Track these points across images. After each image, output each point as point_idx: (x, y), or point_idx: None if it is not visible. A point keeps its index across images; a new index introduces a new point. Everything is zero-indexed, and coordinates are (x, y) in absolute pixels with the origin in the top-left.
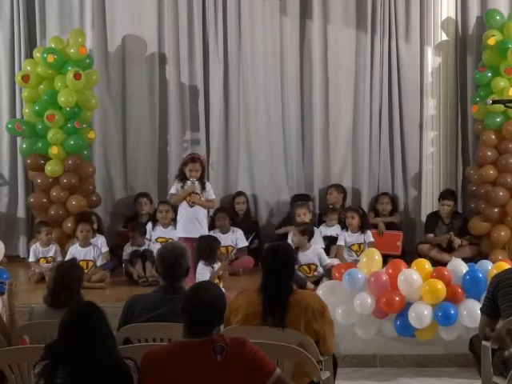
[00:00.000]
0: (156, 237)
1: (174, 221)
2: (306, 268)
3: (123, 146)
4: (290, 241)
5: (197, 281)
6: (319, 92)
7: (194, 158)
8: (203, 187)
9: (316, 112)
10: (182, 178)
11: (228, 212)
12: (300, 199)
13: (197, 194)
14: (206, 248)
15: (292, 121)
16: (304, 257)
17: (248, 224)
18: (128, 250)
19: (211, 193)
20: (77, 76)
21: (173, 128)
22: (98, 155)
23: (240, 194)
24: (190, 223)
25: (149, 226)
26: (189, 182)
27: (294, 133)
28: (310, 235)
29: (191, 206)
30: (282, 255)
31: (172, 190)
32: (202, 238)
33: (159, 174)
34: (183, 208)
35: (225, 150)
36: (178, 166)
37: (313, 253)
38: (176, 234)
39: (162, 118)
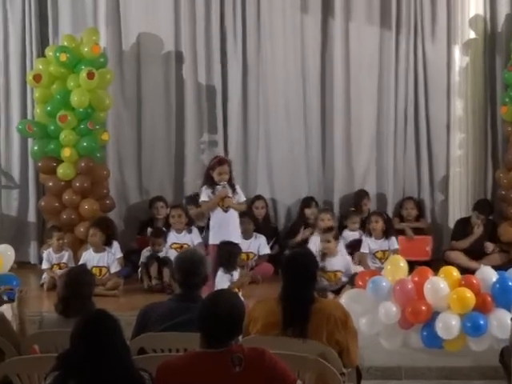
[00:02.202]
0: (170, 243)
1: (187, 225)
2: (331, 275)
3: (138, 147)
4: (311, 246)
5: (215, 288)
6: (341, 92)
7: (221, 161)
8: (233, 190)
9: (338, 113)
10: (211, 183)
11: (252, 217)
12: (308, 203)
13: (229, 197)
14: (226, 254)
15: (313, 122)
16: (332, 263)
17: (267, 229)
18: (146, 254)
19: (242, 195)
20: (90, 75)
21: (189, 129)
22: (111, 157)
23: (259, 198)
24: (226, 229)
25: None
26: (219, 187)
27: (315, 134)
28: (338, 239)
29: (225, 211)
30: (304, 262)
31: (203, 197)
32: (223, 243)
33: (176, 177)
34: (217, 214)
35: (243, 153)
36: (195, 168)
37: (341, 259)
38: (211, 241)
39: (179, 119)
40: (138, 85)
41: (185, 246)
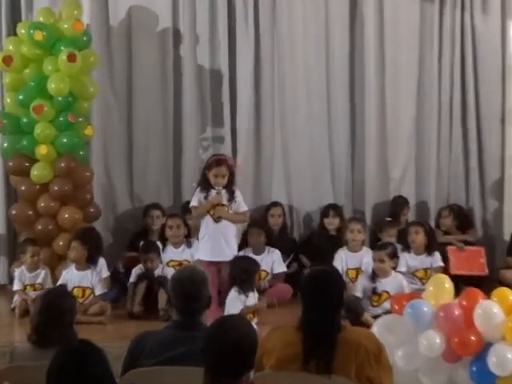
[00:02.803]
0: (167, 259)
1: (186, 238)
2: (376, 296)
3: (128, 144)
4: (337, 263)
5: (226, 311)
6: (373, 79)
7: (219, 161)
8: (232, 197)
9: (369, 104)
10: (206, 185)
11: (264, 227)
12: (326, 211)
13: (223, 205)
14: (242, 272)
15: (339, 115)
16: (384, 285)
17: (284, 243)
18: (137, 271)
19: (242, 204)
20: (71, 57)
21: (190, 123)
22: (96, 156)
23: (276, 204)
24: (215, 243)
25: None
26: (213, 191)
27: (342, 130)
28: (396, 257)
29: (216, 222)
30: (328, 283)
31: (194, 202)
32: (238, 259)
33: (174, 179)
34: (207, 224)
35: (255, 151)
36: (195, 169)
37: (395, 281)
38: (197, 256)
39: (177, 111)
40: (129, 69)
41: (184, 263)
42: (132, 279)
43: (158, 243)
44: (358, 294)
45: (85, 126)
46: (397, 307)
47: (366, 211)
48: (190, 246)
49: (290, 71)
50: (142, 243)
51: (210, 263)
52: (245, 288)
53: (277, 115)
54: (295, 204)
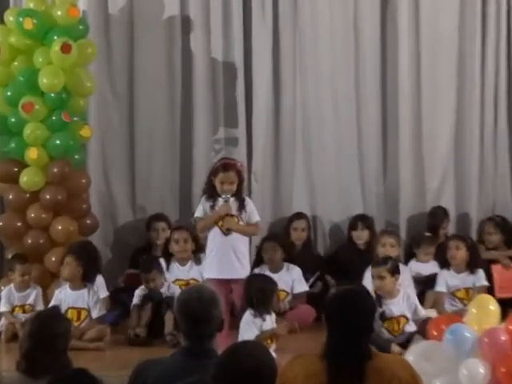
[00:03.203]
0: (173, 278)
1: (195, 254)
2: (393, 324)
3: (130, 148)
4: (367, 283)
5: (240, 336)
6: (408, 75)
7: (226, 165)
8: (241, 206)
9: (404, 102)
10: (212, 193)
11: (281, 241)
12: (354, 223)
13: (232, 216)
14: (257, 292)
15: (370, 117)
16: (391, 307)
17: (308, 259)
18: (141, 292)
19: (254, 213)
20: (65, 48)
21: (200, 122)
22: (94, 161)
23: (300, 217)
24: (224, 258)
25: (162, 263)
26: (221, 200)
27: (373, 134)
28: (397, 273)
29: (226, 234)
30: (356, 304)
31: (198, 213)
32: (254, 277)
33: (181, 187)
34: (214, 237)
35: (274, 155)
36: (205, 175)
37: (404, 300)
38: (205, 273)
39: (185, 109)
40: (131, 62)
41: (192, 282)
42: (135, 301)
43: (162, 260)
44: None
45: (81, 127)
46: (435, 332)
47: (400, 224)
48: (198, 262)
49: (313, 64)
50: (141, 260)
51: (219, 282)
52: (261, 310)
53: (299, 115)
54: (320, 215)
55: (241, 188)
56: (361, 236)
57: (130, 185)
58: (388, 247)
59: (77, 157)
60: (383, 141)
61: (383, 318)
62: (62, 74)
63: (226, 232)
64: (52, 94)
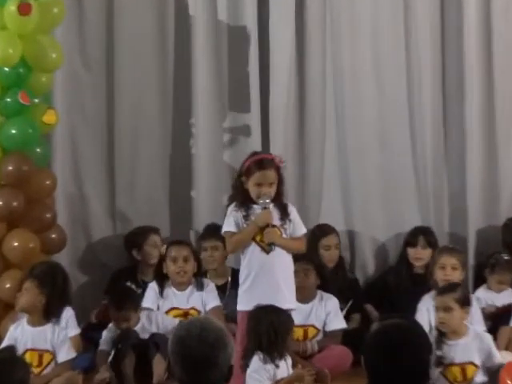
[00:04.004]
0: (166, 307)
1: (196, 277)
2: (456, 372)
3: (109, 139)
4: (421, 317)
5: None
6: (475, 39)
7: (263, 162)
8: (284, 214)
9: (471, 75)
10: (244, 199)
11: (315, 263)
12: (414, 238)
13: (274, 226)
14: (270, 330)
15: (426, 94)
16: (456, 350)
17: (341, 284)
18: (110, 333)
19: (300, 224)
20: (23, 8)
21: (200, 106)
22: (61, 156)
23: (329, 231)
24: (269, 283)
25: (152, 288)
26: (256, 208)
27: (431, 119)
28: (467, 305)
29: (267, 252)
30: (405, 344)
31: (228, 226)
32: (262, 309)
33: (175, 192)
34: (252, 257)
35: (298, 148)
36: (208, 176)
37: (473, 342)
38: (239, 305)
39: (181, 88)
40: (109, 27)
41: (192, 312)
42: (103, 346)
43: (154, 284)
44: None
45: (43, 111)
46: (509, 381)
47: (468, 238)
48: (201, 287)
49: (349, 30)
50: (111, 293)
51: None
52: (273, 354)
53: (329, 95)
54: (358, 230)
55: (282, 190)
56: (421, 255)
57: (108, 187)
58: (448, 270)
59: (38, 150)
60: (445, 130)
61: (443, 363)
62: (19, 42)
63: (268, 248)
64: (6, 69)
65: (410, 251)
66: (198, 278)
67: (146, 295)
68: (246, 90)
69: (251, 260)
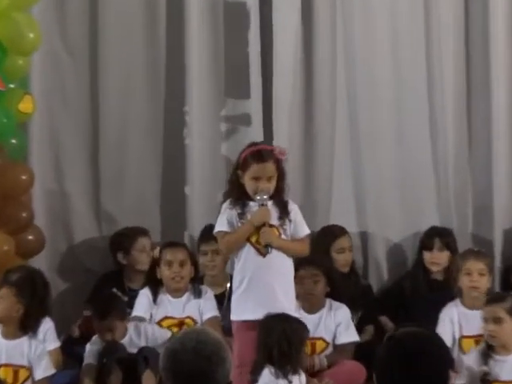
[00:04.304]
0: (159, 316)
1: (193, 283)
2: None
3: (93, 129)
4: (443, 328)
5: None
6: (503, 45)
7: (261, 153)
8: (284, 212)
9: (496, 82)
10: (240, 195)
11: (324, 267)
12: (430, 240)
13: (272, 226)
14: (282, 341)
15: (449, 77)
16: (505, 366)
17: (354, 291)
18: (95, 346)
19: (302, 223)
20: None
21: (196, 91)
22: (39, 148)
23: (343, 232)
24: (265, 289)
25: (144, 295)
26: (253, 205)
27: (454, 106)
28: None
29: (264, 254)
30: (423, 355)
31: (220, 226)
32: (275, 318)
33: (168, 189)
34: (247, 260)
35: (304, 138)
36: (204, 170)
37: None
38: (233, 315)
39: (173, 70)
40: (93, 3)
41: (187, 322)
42: (89, 359)
43: (147, 290)
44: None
45: (19, 98)
46: None
47: (494, 241)
48: (198, 295)
49: (362, 14)
50: (92, 301)
51: (253, 325)
52: (286, 367)
53: (340, 78)
54: (372, 231)
55: (282, 186)
56: (438, 259)
57: (92, 183)
58: (475, 276)
59: (14, 141)
60: (469, 121)
61: (488, 380)
62: None
63: (264, 250)
64: None
65: (426, 255)
66: (196, 284)
67: (137, 302)
68: (245, 73)
69: (246, 263)
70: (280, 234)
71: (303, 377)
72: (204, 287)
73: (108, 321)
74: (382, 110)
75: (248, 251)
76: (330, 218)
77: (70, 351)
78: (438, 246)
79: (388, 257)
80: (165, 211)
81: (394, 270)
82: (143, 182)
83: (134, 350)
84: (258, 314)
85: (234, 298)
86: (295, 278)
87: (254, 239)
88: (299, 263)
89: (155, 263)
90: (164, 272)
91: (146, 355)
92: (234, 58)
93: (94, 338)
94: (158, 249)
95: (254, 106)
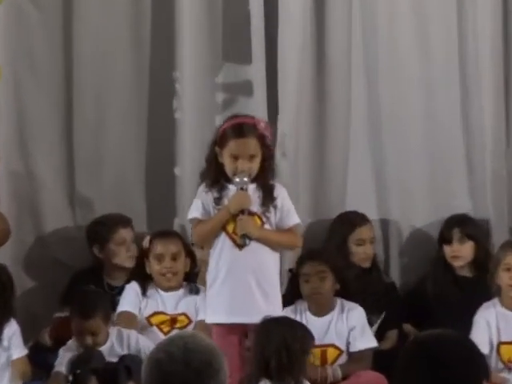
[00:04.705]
0: (149, 312)
1: (188, 278)
2: None
3: (67, 101)
4: (478, 332)
5: None
6: None
7: (241, 127)
8: (269, 197)
9: None
10: (217, 176)
11: (333, 262)
12: (448, 231)
13: (252, 214)
14: (281, 350)
15: (482, 61)
16: None
17: (377, 290)
18: (70, 352)
19: (291, 211)
20: None
21: (188, 54)
22: (3, 122)
23: (363, 220)
24: (239, 290)
25: (131, 288)
26: (231, 189)
27: (488, 90)
28: None
29: (241, 247)
30: (452, 361)
31: (194, 212)
32: (272, 323)
33: (155, 168)
34: (222, 253)
35: (316, 113)
36: (197, 148)
37: None
38: (207, 317)
39: (162, 30)
40: None
41: (180, 319)
42: (59, 367)
43: (135, 285)
44: None
45: None
46: None
47: None
48: (195, 291)
49: None
50: (71, 298)
51: (229, 329)
52: (285, 381)
53: (356, 49)
54: (394, 219)
55: (267, 166)
56: (459, 253)
57: (65, 163)
58: None
59: None
60: (508, 95)
61: None
62: None
63: (241, 242)
64: None
65: (446, 249)
66: (192, 279)
67: (123, 297)
68: (246, 34)
69: (220, 257)
70: (262, 223)
71: None
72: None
73: (92, 321)
74: (405, 82)
75: (223, 243)
76: (346, 204)
77: (38, 360)
78: (458, 237)
79: (413, 249)
80: (151, 196)
81: (421, 265)
82: (125, 162)
83: (114, 360)
84: (232, 317)
85: (207, 296)
86: (298, 276)
87: (230, 229)
88: (302, 258)
89: (144, 255)
90: (154, 267)
91: (127, 364)
92: (233, 16)
93: (70, 342)
94: (147, 238)
95: (256, 72)
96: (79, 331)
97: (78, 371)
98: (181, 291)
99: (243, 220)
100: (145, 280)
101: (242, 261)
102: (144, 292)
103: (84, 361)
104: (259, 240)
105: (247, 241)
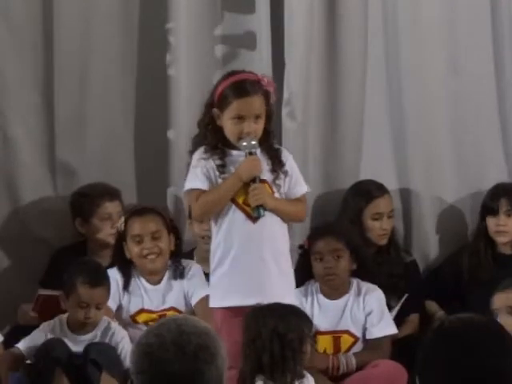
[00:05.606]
0: (133, 310)
1: (175, 260)
2: None
3: (46, 53)
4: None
5: None
6: None
7: (245, 84)
8: (277, 163)
9: None
10: (217, 141)
11: (349, 238)
12: (493, 203)
13: (263, 181)
14: (273, 343)
15: None
16: None
17: (395, 269)
18: (40, 339)
19: (299, 179)
20: None
21: (183, 3)
22: None
23: (381, 191)
24: (254, 266)
25: (112, 279)
26: (236, 154)
27: None
28: None
29: (254, 219)
30: (482, 352)
31: (192, 182)
32: (263, 311)
33: (145, 131)
34: (232, 227)
35: (328, 70)
36: (193, 108)
37: None
38: (213, 301)
39: None
40: None
41: (170, 314)
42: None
43: (116, 273)
44: None
45: None
46: None
47: None
48: (180, 275)
49: None
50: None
51: (236, 311)
52: (282, 377)
53: (377, 12)
54: (417, 190)
55: (270, 128)
56: (506, 227)
57: (45, 127)
58: None
59: None
60: None
61: None
62: None
63: (256, 214)
64: None
65: (490, 222)
66: (178, 261)
67: None
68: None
69: (231, 232)
70: (273, 192)
71: (311, 380)
72: (187, 262)
73: (101, 289)
74: (428, 33)
75: (233, 216)
76: (361, 172)
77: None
78: (506, 210)
79: (438, 224)
80: (141, 163)
81: (447, 241)
82: (112, 125)
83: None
84: (247, 299)
85: (213, 278)
86: (310, 253)
87: (240, 199)
88: (315, 234)
89: (121, 238)
90: (133, 250)
91: (93, 358)
92: None
93: (45, 324)
94: (122, 219)
95: (260, 22)
96: (84, 302)
97: (43, 363)
98: (164, 282)
99: (257, 189)
100: (127, 266)
101: (256, 235)
102: (126, 284)
103: (48, 351)
104: (274, 211)
105: (262, 212)
